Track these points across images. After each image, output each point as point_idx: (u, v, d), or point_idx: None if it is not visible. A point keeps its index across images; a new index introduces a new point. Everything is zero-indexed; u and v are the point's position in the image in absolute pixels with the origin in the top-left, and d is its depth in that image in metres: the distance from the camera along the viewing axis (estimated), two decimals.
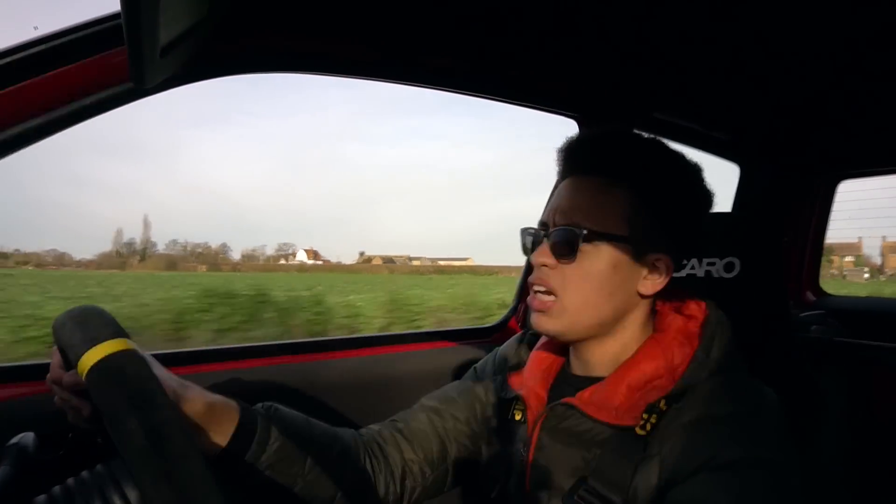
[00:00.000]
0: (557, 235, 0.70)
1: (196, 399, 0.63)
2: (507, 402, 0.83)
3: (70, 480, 0.50)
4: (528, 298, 0.75)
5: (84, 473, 0.50)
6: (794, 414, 0.68)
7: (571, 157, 0.75)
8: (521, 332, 0.93)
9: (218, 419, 0.64)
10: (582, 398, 0.70)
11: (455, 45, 1.07)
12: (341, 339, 1.24)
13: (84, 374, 0.46)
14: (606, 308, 0.71)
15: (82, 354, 0.46)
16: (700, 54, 1.12)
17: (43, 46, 0.71)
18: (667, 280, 0.72)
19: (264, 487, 0.67)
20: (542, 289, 0.71)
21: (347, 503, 0.74)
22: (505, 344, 0.94)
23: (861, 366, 1.34)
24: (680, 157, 0.74)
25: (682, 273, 0.90)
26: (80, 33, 0.73)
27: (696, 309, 0.74)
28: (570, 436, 0.71)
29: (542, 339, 0.85)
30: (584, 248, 0.69)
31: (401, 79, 1.10)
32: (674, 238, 0.72)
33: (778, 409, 0.65)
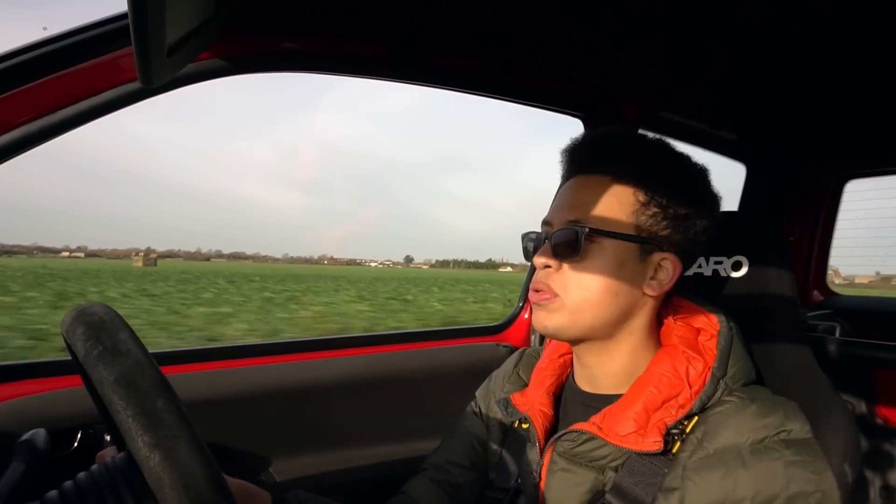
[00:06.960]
0: (559, 236, 0.69)
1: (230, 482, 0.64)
2: (513, 423, 0.82)
3: (81, 475, 0.50)
4: (529, 296, 0.73)
5: (94, 467, 0.51)
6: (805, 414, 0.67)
7: (576, 156, 0.75)
8: (518, 352, 0.93)
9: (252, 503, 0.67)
10: (597, 423, 0.68)
11: (463, 46, 1.07)
12: (348, 338, 1.24)
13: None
14: (613, 307, 0.68)
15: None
16: (706, 53, 1.11)
17: (52, 47, 0.72)
18: (674, 281, 0.70)
19: None
20: (543, 290, 0.70)
21: None
22: (501, 368, 0.93)
23: (868, 365, 1.33)
24: (685, 157, 0.73)
25: (690, 272, 0.90)
26: (88, 34, 0.73)
27: (707, 321, 0.71)
28: (585, 459, 0.69)
29: (543, 357, 0.85)
30: (588, 246, 0.67)
31: (410, 79, 1.10)
32: (681, 238, 0.70)
33: (805, 429, 0.61)
